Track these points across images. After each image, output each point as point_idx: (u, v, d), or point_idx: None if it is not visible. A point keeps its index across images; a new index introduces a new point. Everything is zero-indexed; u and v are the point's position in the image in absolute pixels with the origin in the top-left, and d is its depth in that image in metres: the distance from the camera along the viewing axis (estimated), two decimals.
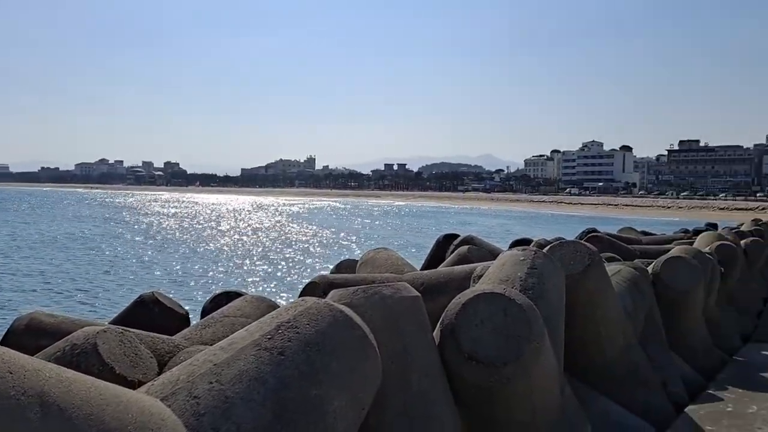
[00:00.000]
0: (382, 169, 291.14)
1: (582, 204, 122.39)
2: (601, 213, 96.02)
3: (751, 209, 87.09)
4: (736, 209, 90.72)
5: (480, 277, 4.64)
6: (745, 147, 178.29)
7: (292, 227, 65.05)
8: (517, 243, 10.08)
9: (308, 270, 29.68)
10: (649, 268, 7.22)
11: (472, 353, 2.96)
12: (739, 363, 7.29)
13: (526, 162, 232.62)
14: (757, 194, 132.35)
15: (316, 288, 4.79)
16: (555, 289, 4.23)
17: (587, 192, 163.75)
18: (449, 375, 3.08)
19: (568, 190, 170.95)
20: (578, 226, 14.21)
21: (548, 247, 5.07)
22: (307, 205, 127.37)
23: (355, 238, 50.14)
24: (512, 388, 2.99)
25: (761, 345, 8.76)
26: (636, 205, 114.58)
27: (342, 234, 54.58)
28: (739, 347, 8.65)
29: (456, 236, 7.73)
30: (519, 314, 3.04)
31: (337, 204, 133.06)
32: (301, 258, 36.79)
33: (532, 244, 8.48)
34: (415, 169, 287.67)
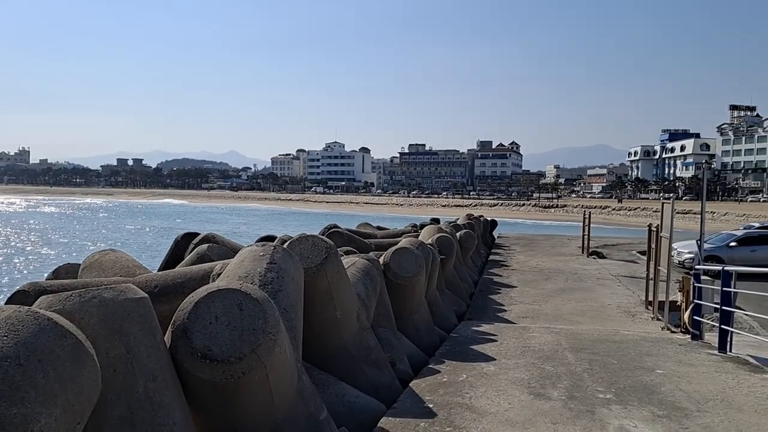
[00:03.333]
0: (115, 164, 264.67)
1: (327, 202, 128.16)
2: (344, 210, 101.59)
3: (466, 206, 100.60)
4: (455, 206, 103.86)
5: (220, 275, 4.54)
6: (461, 151, 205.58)
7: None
8: (262, 240, 10.09)
9: (19, 278, 25.64)
10: (381, 259, 7.88)
11: (206, 352, 2.88)
12: (453, 339, 8.37)
13: (273, 160, 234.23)
14: (471, 192, 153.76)
15: (26, 297, 4.16)
16: (293, 282, 4.35)
17: (331, 191, 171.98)
18: (183, 377, 2.96)
19: (313, 188, 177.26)
20: (323, 223, 14.87)
21: (287, 242, 5.18)
22: (22, 204, 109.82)
23: (77, 241, 44.69)
24: (249, 381, 2.99)
25: (472, 323, 10.20)
26: (374, 203, 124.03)
27: (62, 238, 48.28)
28: (455, 325, 9.96)
29: (195, 234, 7.43)
30: (254, 308, 3.05)
31: (59, 204, 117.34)
32: (14, 263, 31.66)
33: (276, 241, 8.58)
34: (154, 165, 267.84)
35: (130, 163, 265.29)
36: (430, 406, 4.81)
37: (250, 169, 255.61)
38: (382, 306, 7.10)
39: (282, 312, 3.98)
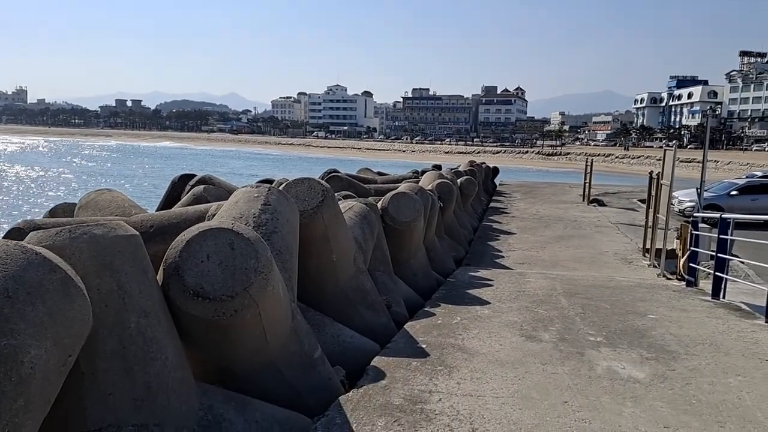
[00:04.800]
0: (114, 105, 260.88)
1: (329, 147, 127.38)
2: (346, 155, 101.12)
3: (469, 152, 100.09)
4: (458, 153, 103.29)
5: (215, 216, 4.54)
6: (465, 97, 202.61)
7: None
8: (261, 183, 10.06)
9: (16, 216, 25.76)
10: (379, 204, 7.88)
11: (198, 289, 2.91)
12: (450, 283, 8.46)
13: (274, 103, 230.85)
14: (474, 139, 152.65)
15: (21, 234, 4.17)
16: (289, 224, 4.35)
17: (333, 135, 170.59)
18: (175, 314, 3.00)
19: (315, 133, 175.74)
20: (324, 167, 14.81)
21: (283, 184, 5.16)
22: (19, 144, 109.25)
23: (75, 179, 44.61)
24: (241, 318, 3.03)
25: (470, 268, 10.28)
26: (377, 149, 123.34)
27: (64, 175, 48.22)
28: (453, 270, 10.05)
29: (192, 176, 7.40)
30: (246, 248, 3.06)
31: (59, 143, 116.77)
32: (12, 202, 31.78)
33: (274, 183, 8.56)
34: (153, 107, 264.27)
35: (129, 104, 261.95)
36: (423, 346, 4.90)
37: (251, 112, 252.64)
38: (379, 250, 7.14)
39: (276, 253, 4.00)
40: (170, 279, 2.96)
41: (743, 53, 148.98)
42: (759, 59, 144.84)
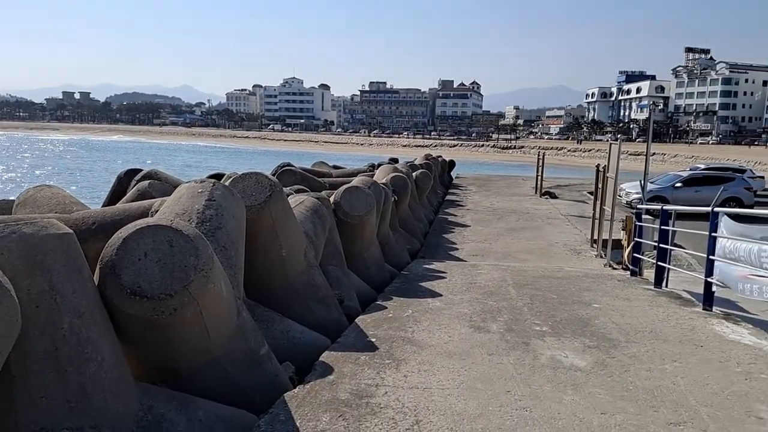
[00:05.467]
0: (60, 97, 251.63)
1: (285, 140, 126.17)
2: (303, 149, 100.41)
3: (427, 146, 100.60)
4: (416, 146, 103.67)
5: (158, 212, 4.45)
6: (422, 90, 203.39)
7: None
8: (211, 177, 9.88)
9: None
10: (331, 198, 7.87)
11: (136, 288, 2.85)
12: (403, 276, 8.52)
13: (228, 96, 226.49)
14: (432, 133, 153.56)
15: None
16: (234, 220, 4.30)
17: (290, 128, 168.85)
18: (113, 314, 2.93)
19: (271, 126, 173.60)
20: (280, 161, 14.66)
21: (230, 179, 5.09)
22: None
23: (20, 175, 42.94)
24: (181, 317, 2.99)
25: (424, 260, 10.38)
26: (334, 142, 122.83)
27: (8, 171, 46.34)
28: (408, 263, 10.12)
29: (138, 171, 7.22)
30: (186, 245, 3.01)
31: (3, 136, 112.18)
32: None
33: (223, 178, 8.43)
34: (103, 100, 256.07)
35: (77, 96, 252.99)
36: (373, 340, 4.93)
37: (204, 104, 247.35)
38: (331, 244, 7.13)
39: (221, 249, 3.95)
40: (106, 278, 2.89)
41: (688, 49, 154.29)
42: (703, 55, 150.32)
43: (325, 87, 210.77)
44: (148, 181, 6.26)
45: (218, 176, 9.86)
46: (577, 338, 5.15)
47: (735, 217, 6.72)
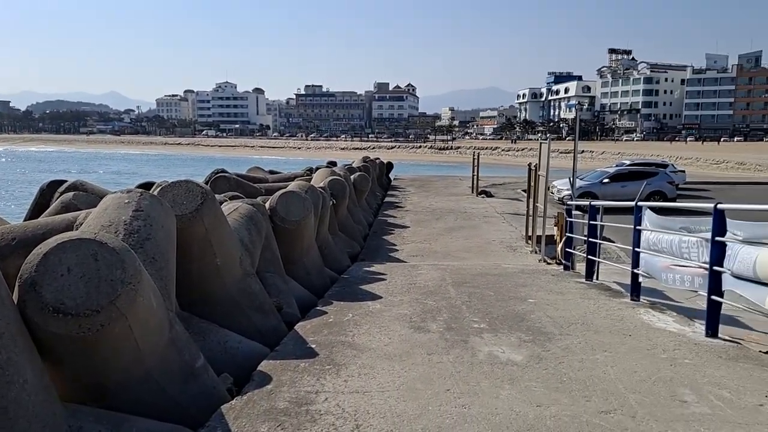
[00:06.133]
0: None
1: (220, 146, 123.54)
2: (238, 154, 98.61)
3: (365, 148, 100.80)
4: (354, 149, 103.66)
5: (83, 225, 4.26)
6: (359, 93, 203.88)
7: None
8: (140, 187, 9.56)
9: None
10: (267, 204, 7.75)
11: (59, 305, 2.72)
12: (343, 280, 8.50)
13: (159, 102, 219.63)
14: (369, 135, 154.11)
15: None
16: (164, 230, 4.17)
17: (224, 134, 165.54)
18: (35, 333, 2.78)
19: (205, 132, 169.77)
20: (213, 168, 14.33)
21: (159, 188, 4.94)
22: None
23: None
24: (110, 333, 2.87)
25: (364, 263, 10.39)
26: (270, 146, 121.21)
27: None
28: (348, 266, 10.11)
29: (63, 182, 6.89)
30: (111, 258, 2.89)
31: None
32: None
33: (153, 187, 8.16)
34: (23, 108, 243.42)
35: None
36: (313, 346, 4.89)
37: (134, 111, 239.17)
38: (268, 251, 7.03)
39: (150, 261, 3.82)
40: (26, 296, 2.74)
41: (611, 51, 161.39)
42: (625, 56, 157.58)
43: (259, 91, 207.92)
44: (73, 192, 5.99)
45: (147, 185, 9.56)
46: (513, 333, 5.28)
47: (658, 210, 7.07)
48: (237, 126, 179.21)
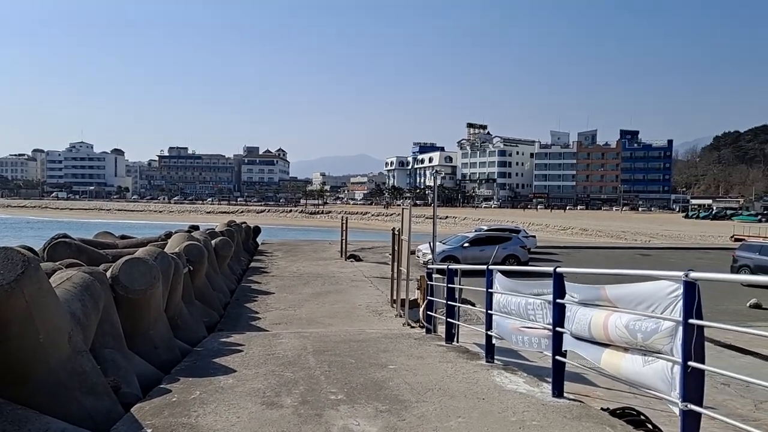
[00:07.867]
0: None
1: (71, 209, 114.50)
2: (92, 218, 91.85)
3: (233, 212, 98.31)
4: (221, 212, 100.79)
5: None
6: (227, 156, 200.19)
7: None
8: None
9: None
10: (109, 272, 7.07)
11: None
12: (195, 353, 7.88)
13: (2, 161, 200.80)
14: (238, 198, 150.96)
15: None
16: None
17: (77, 196, 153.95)
18: None
19: (55, 193, 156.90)
20: (59, 232, 13.01)
21: None
22: None
23: None
24: None
25: (222, 333, 9.77)
26: (129, 210, 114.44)
27: None
28: (204, 338, 9.44)
29: None
30: None
31: None
32: None
33: None
34: None
35: None
36: (149, 430, 4.37)
37: None
38: (107, 323, 6.35)
39: None
40: None
41: (470, 125, 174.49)
42: (482, 130, 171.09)
43: (118, 152, 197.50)
44: None
45: None
46: (370, 403, 5.11)
47: (508, 273, 7.40)
48: (92, 188, 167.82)
